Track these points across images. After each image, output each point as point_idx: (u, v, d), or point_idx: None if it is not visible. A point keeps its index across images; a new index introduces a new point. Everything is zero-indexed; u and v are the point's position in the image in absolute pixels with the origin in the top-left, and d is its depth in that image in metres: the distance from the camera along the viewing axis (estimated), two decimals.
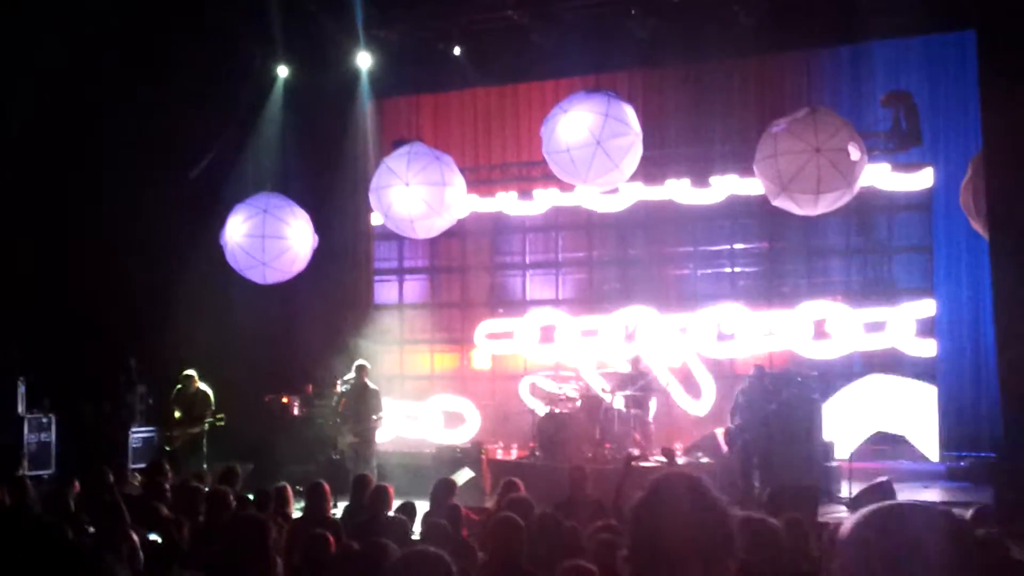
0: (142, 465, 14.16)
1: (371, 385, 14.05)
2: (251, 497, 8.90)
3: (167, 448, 14.40)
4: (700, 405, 15.67)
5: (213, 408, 14.06)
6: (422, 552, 3.60)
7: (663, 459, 13.90)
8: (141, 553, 5.96)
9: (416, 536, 7.88)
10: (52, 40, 14.94)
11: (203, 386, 14.20)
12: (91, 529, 6.72)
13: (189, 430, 13.98)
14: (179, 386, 14.24)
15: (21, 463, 14.13)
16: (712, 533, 2.56)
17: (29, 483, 9.24)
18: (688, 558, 2.52)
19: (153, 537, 6.37)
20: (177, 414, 14.10)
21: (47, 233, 15.68)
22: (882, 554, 2.24)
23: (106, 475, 8.77)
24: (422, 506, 8.89)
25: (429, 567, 3.43)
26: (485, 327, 17.72)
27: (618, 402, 14.14)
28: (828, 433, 13.42)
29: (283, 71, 16.96)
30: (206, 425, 13.96)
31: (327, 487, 8.71)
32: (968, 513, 6.28)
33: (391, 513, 8.26)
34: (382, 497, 8.42)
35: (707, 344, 16.23)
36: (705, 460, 13.74)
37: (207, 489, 8.59)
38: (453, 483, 9.51)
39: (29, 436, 15.16)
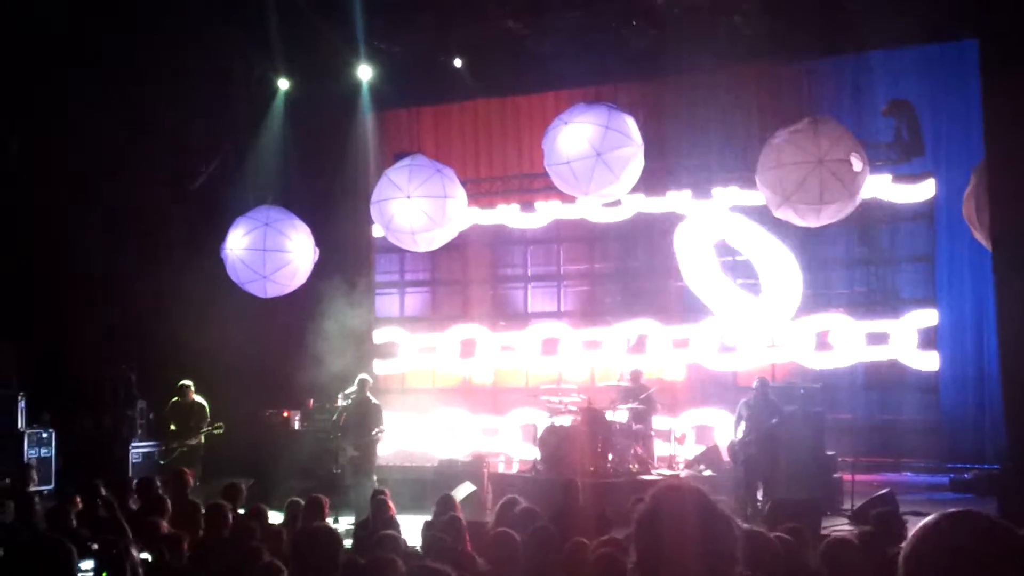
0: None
1: (372, 399, 13.96)
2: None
3: (161, 462, 14.34)
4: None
5: (209, 419, 13.96)
6: (426, 568, 3.56)
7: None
8: (140, 570, 5.91)
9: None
10: (53, 49, 14.92)
11: (199, 398, 14.08)
12: (94, 546, 6.66)
13: (187, 442, 13.82)
14: (175, 398, 14.11)
15: (30, 479, 13.98)
16: (716, 543, 2.55)
17: (36, 501, 9.19)
18: (693, 568, 2.52)
19: (144, 556, 6.32)
20: (172, 427, 13.99)
21: (48, 246, 15.65)
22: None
23: (99, 490, 8.72)
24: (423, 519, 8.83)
25: None
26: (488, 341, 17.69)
27: (620, 415, 14.06)
28: (831, 445, 13.38)
29: (284, 84, 16.94)
30: (202, 437, 13.88)
31: (325, 501, 8.67)
32: None
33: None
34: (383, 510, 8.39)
35: (709, 356, 16.22)
36: (708, 473, 13.66)
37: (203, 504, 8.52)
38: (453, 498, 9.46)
39: (29, 451, 15.05)
